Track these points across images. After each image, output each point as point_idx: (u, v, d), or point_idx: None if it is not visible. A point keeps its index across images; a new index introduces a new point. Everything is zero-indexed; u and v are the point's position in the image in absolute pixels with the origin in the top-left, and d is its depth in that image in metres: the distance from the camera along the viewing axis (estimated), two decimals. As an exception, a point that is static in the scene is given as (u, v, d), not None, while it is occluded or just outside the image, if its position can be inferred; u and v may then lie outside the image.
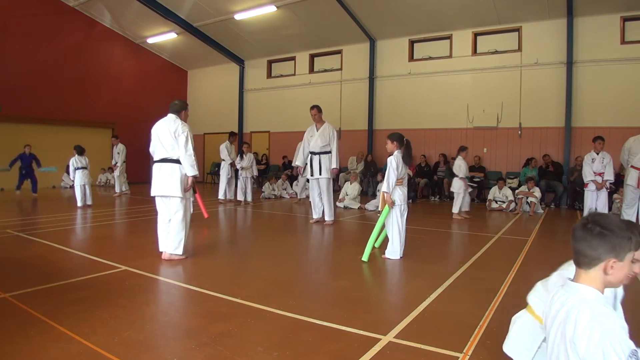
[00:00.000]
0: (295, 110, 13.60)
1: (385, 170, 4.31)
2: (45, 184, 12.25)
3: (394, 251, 4.30)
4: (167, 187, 4.05)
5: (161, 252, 4.14)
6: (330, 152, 6.61)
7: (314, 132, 6.74)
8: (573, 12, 9.56)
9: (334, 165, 6.58)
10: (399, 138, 4.35)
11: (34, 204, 8.68)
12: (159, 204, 4.18)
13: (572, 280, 1.42)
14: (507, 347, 1.89)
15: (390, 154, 4.33)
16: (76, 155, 8.62)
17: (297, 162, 7.07)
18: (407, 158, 4.36)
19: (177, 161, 4.08)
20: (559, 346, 1.36)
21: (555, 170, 9.80)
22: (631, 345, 1.21)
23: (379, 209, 4.62)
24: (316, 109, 6.70)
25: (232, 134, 10.23)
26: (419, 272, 3.88)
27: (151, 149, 4.24)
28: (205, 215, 4.89)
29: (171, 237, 4.07)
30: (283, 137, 14.41)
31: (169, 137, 4.05)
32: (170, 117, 4.18)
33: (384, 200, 4.26)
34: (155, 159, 4.18)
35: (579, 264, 1.39)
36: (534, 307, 1.86)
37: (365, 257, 4.21)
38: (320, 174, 6.60)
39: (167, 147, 4.08)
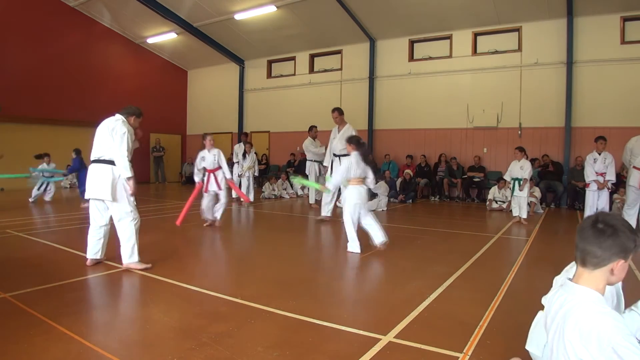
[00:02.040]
0: (296, 110, 13.59)
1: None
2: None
3: (353, 246, 4.59)
4: (98, 189, 3.71)
5: (87, 259, 3.90)
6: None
7: (336, 134, 6.73)
8: (573, 12, 9.55)
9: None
10: (356, 141, 4.79)
11: (34, 204, 8.68)
12: (92, 207, 3.86)
13: (572, 281, 1.41)
14: (528, 345, 1.87)
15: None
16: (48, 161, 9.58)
17: (325, 162, 7.19)
18: (365, 158, 4.73)
19: (110, 162, 3.76)
20: (558, 345, 1.36)
21: (555, 170, 9.80)
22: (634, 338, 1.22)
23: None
24: (337, 112, 6.66)
25: (244, 134, 11.06)
26: (419, 272, 3.88)
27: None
28: (178, 222, 5.28)
29: (123, 244, 3.81)
30: (283, 137, 14.41)
31: (107, 136, 3.78)
32: (116, 116, 3.94)
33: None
34: (91, 158, 3.88)
35: (585, 264, 1.37)
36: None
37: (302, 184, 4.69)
38: None
39: (103, 147, 3.79)
